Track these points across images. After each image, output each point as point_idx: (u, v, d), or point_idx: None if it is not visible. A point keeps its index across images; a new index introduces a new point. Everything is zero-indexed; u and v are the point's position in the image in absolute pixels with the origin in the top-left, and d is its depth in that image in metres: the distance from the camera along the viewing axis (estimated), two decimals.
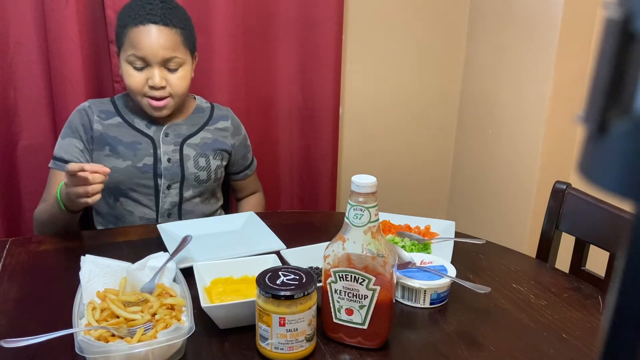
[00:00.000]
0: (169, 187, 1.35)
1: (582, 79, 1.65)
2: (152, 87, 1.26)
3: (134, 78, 1.27)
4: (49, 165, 1.33)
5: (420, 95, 2.04)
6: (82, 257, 0.92)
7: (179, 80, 1.29)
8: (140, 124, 1.35)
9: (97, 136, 1.32)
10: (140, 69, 1.27)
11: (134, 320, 0.79)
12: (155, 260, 0.94)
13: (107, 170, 1.06)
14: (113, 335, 0.76)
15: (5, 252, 1.12)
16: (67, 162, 1.30)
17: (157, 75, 1.26)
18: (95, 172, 1.05)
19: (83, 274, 0.88)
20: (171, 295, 0.85)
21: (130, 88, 1.28)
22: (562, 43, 1.60)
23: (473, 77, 2.00)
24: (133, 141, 1.33)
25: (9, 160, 1.57)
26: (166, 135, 1.36)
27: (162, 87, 1.27)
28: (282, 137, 1.86)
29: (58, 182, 1.28)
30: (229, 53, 1.67)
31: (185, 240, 1.05)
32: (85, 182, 1.04)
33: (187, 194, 1.38)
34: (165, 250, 1.02)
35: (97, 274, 0.89)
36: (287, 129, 1.85)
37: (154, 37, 1.24)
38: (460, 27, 2.01)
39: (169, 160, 1.34)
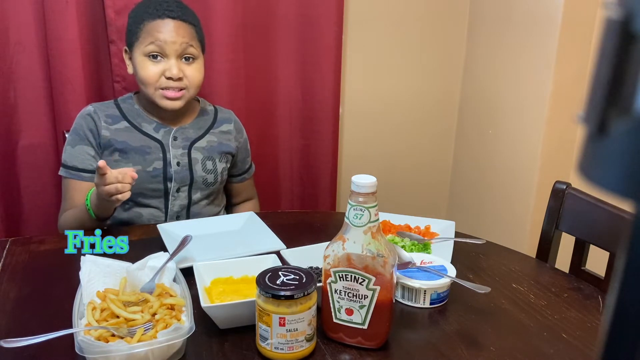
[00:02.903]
0: (178, 190, 1.36)
1: (582, 79, 1.65)
2: (170, 78, 1.28)
3: (149, 70, 1.28)
4: (61, 173, 1.33)
5: (420, 95, 2.04)
6: (82, 257, 0.92)
7: (195, 71, 1.31)
8: (148, 128, 1.36)
9: (105, 142, 1.32)
10: (156, 62, 1.28)
11: (134, 320, 0.79)
12: (155, 260, 0.94)
13: (135, 176, 1.11)
14: (113, 335, 0.76)
15: (5, 252, 1.11)
16: (81, 170, 1.31)
17: (174, 66, 1.28)
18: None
19: (83, 274, 0.88)
20: (171, 295, 0.85)
21: (146, 80, 1.29)
22: (562, 43, 1.60)
23: (473, 77, 2.00)
24: (142, 145, 1.33)
25: (9, 160, 1.57)
26: (175, 139, 1.36)
27: (179, 79, 1.28)
28: (282, 137, 1.86)
29: (76, 190, 1.30)
30: (229, 53, 1.67)
31: (185, 240, 1.05)
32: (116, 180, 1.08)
33: (196, 196, 1.39)
34: (165, 250, 1.02)
35: (97, 274, 0.89)
36: (287, 129, 1.85)
37: (172, 28, 1.28)
38: (460, 27, 2.01)
39: (178, 163, 1.35)
